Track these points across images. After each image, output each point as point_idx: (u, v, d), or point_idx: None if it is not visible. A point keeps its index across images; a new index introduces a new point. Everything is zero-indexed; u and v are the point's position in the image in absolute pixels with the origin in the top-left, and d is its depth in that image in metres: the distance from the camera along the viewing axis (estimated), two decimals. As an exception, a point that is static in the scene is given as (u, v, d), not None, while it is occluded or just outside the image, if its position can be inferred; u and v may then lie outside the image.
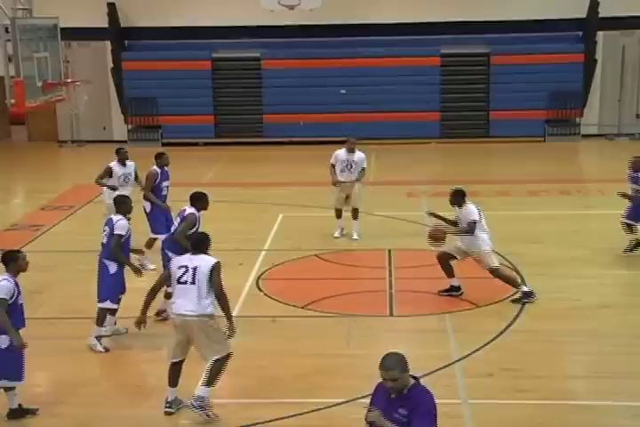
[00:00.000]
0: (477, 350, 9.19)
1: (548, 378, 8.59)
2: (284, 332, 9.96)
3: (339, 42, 23.96)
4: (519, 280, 11.08)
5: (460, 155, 22.48)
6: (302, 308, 10.73)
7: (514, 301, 10.67)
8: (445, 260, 10.86)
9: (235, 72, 24.45)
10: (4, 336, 7.47)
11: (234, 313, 8.28)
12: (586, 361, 9.18)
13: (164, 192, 12.36)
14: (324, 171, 16.17)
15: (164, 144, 23.83)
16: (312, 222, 14.89)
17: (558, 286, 11.25)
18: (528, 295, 10.67)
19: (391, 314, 10.57)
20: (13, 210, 17.41)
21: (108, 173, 12.76)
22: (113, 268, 9.44)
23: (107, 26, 23.96)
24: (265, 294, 11.22)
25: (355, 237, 13.76)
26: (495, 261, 10.65)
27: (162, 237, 11.94)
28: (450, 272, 10.93)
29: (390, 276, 11.88)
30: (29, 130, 25.70)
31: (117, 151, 13.00)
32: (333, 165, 13.74)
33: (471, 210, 10.49)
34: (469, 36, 23.72)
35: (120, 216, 9.53)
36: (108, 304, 9.44)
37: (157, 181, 12.25)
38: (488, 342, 9.37)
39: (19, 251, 7.91)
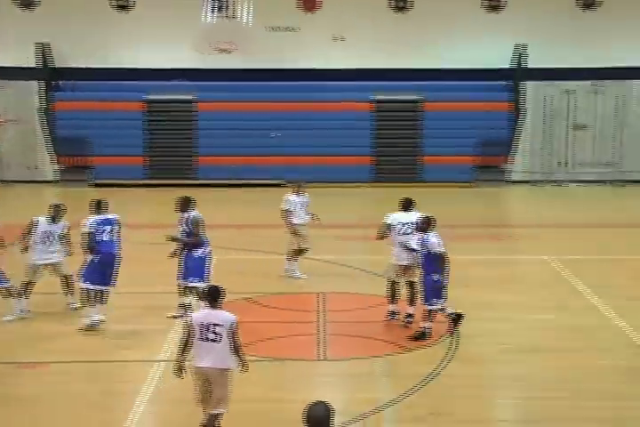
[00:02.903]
0: (407, 394, 9.16)
1: (477, 423, 8.59)
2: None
3: (273, 86, 24.17)
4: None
5: (391, 199, 22.61)
6: (232, 352, 10.57)
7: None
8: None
9: (168, 113, 24.41)
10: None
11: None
12: (515, 406, 9.21)
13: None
14: (256, 212, 16.03)
15: (96, 185, 23.53)
16: (242, 265, 14.79)
17: (487, 330, 11.33)
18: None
19: (321, 358, 10.50)
20: None
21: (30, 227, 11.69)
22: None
23: (34, 66, 23.67)
24: (194, 338, 11.00)
25: (304, 276, 13.92)
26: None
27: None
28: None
29: (321, 319, 11.84)
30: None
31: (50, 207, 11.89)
32: (288, 210, 13.52)
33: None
34: (402, 82, 24.19)
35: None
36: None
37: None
38: (418, 387, 9.35)
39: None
